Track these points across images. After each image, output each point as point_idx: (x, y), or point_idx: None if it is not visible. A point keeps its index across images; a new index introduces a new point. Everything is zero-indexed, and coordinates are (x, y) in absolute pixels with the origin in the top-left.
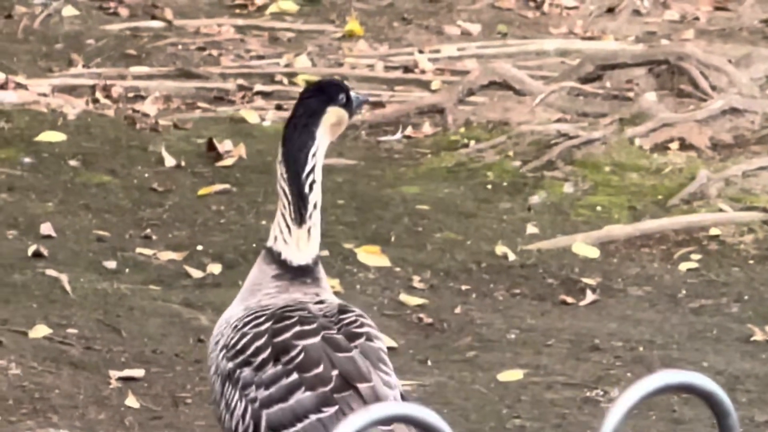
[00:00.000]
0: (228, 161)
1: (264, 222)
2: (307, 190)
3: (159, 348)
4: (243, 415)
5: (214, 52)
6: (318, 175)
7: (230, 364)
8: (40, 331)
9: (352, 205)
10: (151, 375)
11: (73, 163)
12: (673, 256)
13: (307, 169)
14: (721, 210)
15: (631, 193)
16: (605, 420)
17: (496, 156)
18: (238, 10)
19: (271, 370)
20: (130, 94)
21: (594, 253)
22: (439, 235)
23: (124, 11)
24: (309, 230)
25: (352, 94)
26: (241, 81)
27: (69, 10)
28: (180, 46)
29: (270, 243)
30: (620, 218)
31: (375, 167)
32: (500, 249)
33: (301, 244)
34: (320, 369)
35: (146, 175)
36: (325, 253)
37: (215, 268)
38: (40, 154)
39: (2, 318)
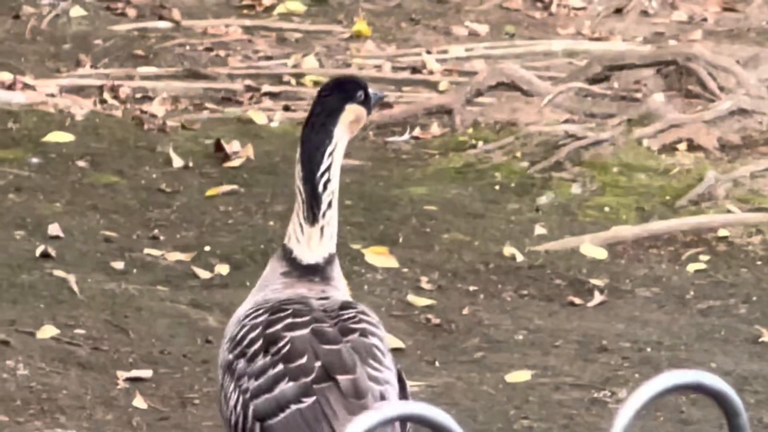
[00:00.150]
0: (236, 162)
1: (272, 223)
2: (320, 188)
3: (167, 349)
4: (235, 405)
5: (222, 53)
6: (335, 174)
7: (230, 356)
8: (47, 331)
9: (359, 206)
10: (158, 376)
11: (80, 163)
12: (681, 257)
13: (323, 167)
14: (729, 211)
15: (639, 194)
16: (615, 419)
17: (503, 157)
18: (245, 11)
19: (261, 361)
20: (138, 95)
21: (602, 254)
22: (446, 235)
23: (131, 12)
24: (322, 229)
25: (370, 91)
26: (248, 82)
27: (77, 11)
28: (188, 47)
29: (285, 240)
30: (628, 219)
31: (383, 168)
32: (508, 250)
33: (312, 243)
34: (304, 360)
35: (154, 175)
36: None
37: (223, 269)
38: (47, 155)
39: (10, 318)
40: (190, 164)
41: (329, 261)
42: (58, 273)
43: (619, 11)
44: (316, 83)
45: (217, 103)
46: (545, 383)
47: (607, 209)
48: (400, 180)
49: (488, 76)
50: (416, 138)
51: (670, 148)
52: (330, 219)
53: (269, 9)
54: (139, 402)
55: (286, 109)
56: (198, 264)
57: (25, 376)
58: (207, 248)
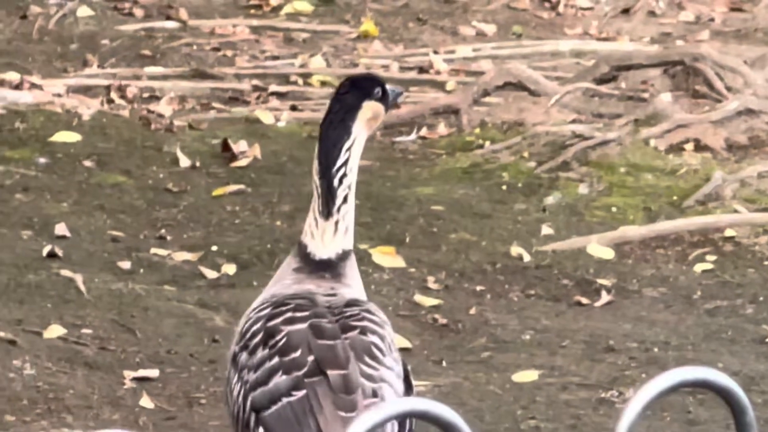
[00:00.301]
0: (243, 162)
1: (279, 222)
2: (336, 183)
3: (173, 348)
4: (237, 396)
5: (229, 53)
6: (351, 169)
7: (236, 348)
8: (54, 331)
9: (366, 206)
10: (165, 375)
11: (87, 163)
12: (688, 257)
13: (339, 162)
14: (736, 211)
15: (646, 194)
16: (622, 416)
17: (511, 157)
18: (253, 11)
19: (260, 353)
20: (145, 95)
21: (609, 254)
22: (453, 235)
23: (138, 12)
24: (336, 224)
25: (388, 87)
26: (255, 81)
27: (84, 11)
28: (195, 47)
29: (302, 236)
30: (635, 219)
31: (390, 168)
32: (515, 250)
33: (326, 238)
34: (297, 354)
35: (161, 175)
36: None
37: (230, 269)
38: (54, 155)
39: (17, 318)
40: (197, 164)
41: (343, 257)
42: (65, 273)
43: (626, 11)
44: (323, 83)
45: (225, 102)
46: (552, 383)
47: (614, 209)
48: (407, 180)
49: (495, 76)
50: (423, 138)
51: (677, 148)
52: (345, 214)
53: (276, 9)
54: (145, 402)
55: (294, 108)
56: (205, 264)
57: (31, 375)
58: (214, 248)
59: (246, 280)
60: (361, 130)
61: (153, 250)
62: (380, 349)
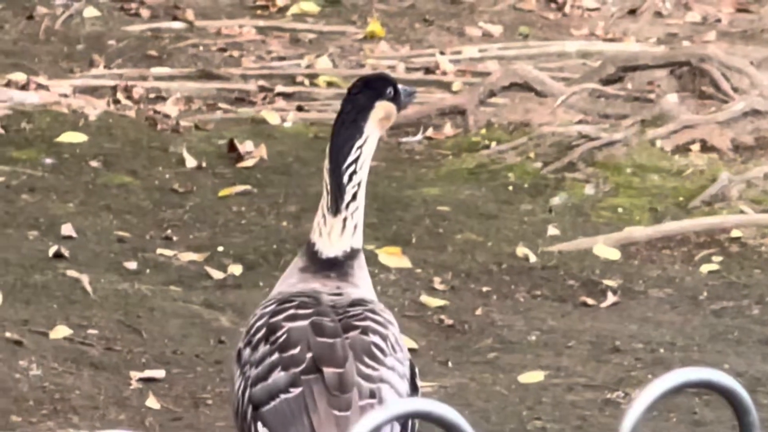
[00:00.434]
0: (249, 162)
1: (285, 223)
2: (345, 179)
3: (179, 349)
4: (238, 391)
5: (235, 53)
6: (362, 167)
7: (240, 344)
8: (60, 331)
9: (372, 207)
10: (171, 376)
11: (94, 163)
12: (694, 258)
13: (350, 159)
14: (742, 212)
15: (652, 195)
16: (625, 416)
17: (517, 157)
18: (259, 11)
19: (261, 349)
20: (151, 95)
21: (615, 254)
22: (459, 236)
23: (145, 12)
24: (344, 221)
25: (400, 87)
26: (262, 82)
27: (90, 11)
28: (201, 47)
29: (311, 234)
30: (641, 220)
31: (396, 168)
32: (521, 250)
33: (333, 235)
34: (296, 350)
35: (167, 176)
36: None
37: (236, 269)
38: (61, 155)
39: (23, 319)
40: (204, 164)
41: (350, 256)
42: (71, 273)
43: (632, 12)
44: (329, 84)
45: (231, 103)
46: (558, 384)
47: (620, 210)
48: (413, 180)
49: (502, 76)
50: (429, 138)
51: (683, 149)
52: (353, 212)
53: (283, 9)
54: (152, 402)
55: (300, 109)
56: (211, 264)
57: (37, 376)
58: (220, 248)
59: (252, 281)
60: (373, 129)
61: (159, 251)
62: (381, 349)
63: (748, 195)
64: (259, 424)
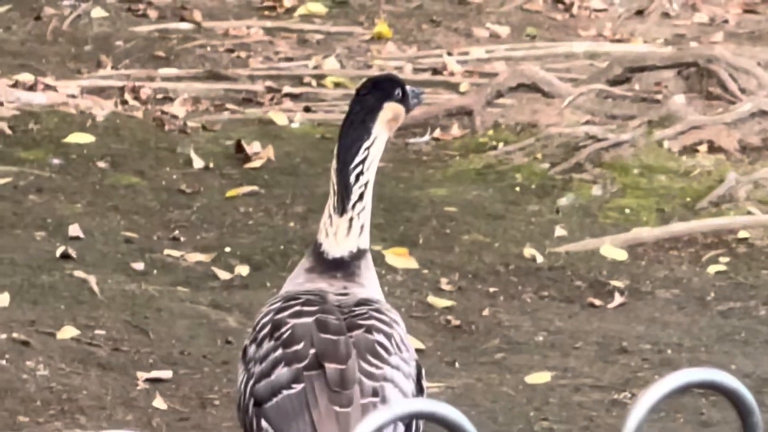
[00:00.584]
0: (256, 163)
1: (292, 224)
2: (352, 179)
3: (187, 349)
4: (241, 385)
5: (243, 54)
6: (369, 167)
7: (246, 341)
8: (68, 332)
9: (379, 207)
10: (178, 376)
11: (101, 164)
12: (701, 258)
13: (357, 159)
14: (749, 213)
15: (660, 196)
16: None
17: (524, 158)
18: (266, 12)
19: (266, 345)
20: (159, 96)
21: (622, 255)
22: (467, 237)
23: (152, 13)
24: (350, 221)
25: (408, 88)
26: (269, 83)
27: (98, 12)
28: (209, 48)
29: (317, 235)
30: (648, 221)
31: (403, 169)
32: (528, 251)
33: (339, 235)
34: (300, 346)
35: (174, 176)
36: None
37: (243, 270)
38: (68, 156)
39: (30, 319)
40: (211, 165)
41: (357, 257)
42: (79, 274)
43: (640, 13)
44: (336, 85)
45: (238, 104)
46: (565, 385)
47: (627, 211)
48: (421, 181)
49: (509, 77)
50: (437, 139)
51: (690, 150)
52: (359, 212)
53: (290, 10)
54: (159, 403)
55: (307, 110)
56: (218, 265)
57: (45, 376)
58: (227, 249)
59: (259, 281)
60: (381, 130)
61: (166, 251)
62: (386, 348)
63: (755, 196)
64: (263, 420)
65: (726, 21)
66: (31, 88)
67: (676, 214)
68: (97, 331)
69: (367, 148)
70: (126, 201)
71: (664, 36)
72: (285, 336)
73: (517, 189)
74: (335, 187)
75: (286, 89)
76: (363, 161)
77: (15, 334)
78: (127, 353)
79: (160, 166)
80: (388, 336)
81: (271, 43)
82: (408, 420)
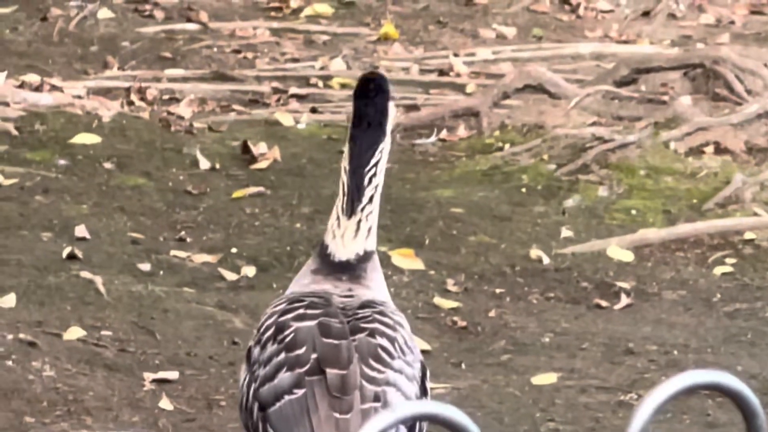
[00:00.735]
0: (262, 164)
1: (298, 225)
2: (366, 182)
3: (193, 350)
4: (243, 386)
5: (249, 55)
6: (380, 170)
7: (251, 343)
8: (74, 333)
9: (386, 208)
10: (185, 377)
11: (107, 165)
12: (707, 260)
13: (372, 162)
14: (756, 214)
15: (666, 197)
16: (633, 418)
17: (530, 159)
18: (273, 13)
19: (269, 349)
20: (165, 97)
21: (628, 256)
22: (473, 238)
23: (159, 14)
24: (358, 223)
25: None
26: (275, 84)
27: (104, 13)
28: (215, 49)
29: (325, 236)
30: (655, 222)
31: (409, 170)
32: (534, 252)
33: (347, 237)
34: (302, 351)
35: (181, 177)
36: None
37: (249, 271)
38: (74, 157)
39: (36, 320)
40: (217, 166)
41: (363, 259)
42: (85, 274)
43: (646, 14)
44: (343, 86)
45: (245, 105)
46: (571, 386)
47: (633, 212)
48: (427, 182)
49: (515, 78)
50: (443, 140)
51: (697, 151)
52: (368, 214)
53: (297, 11)
54: (165, 403)
55: (314, 111)
56: (224, 266)
57: (51, 377)
58: (233, 250)
59: (265, 282)
60: (389, 132)
61: (173, 252)
62: (388, 352)
63: (761, 197)
64: (267, 425)
65: (732, 22)
66: (38, 88)
67: (682, 215)
68: (103, 332)
69: (381, 150)
70: (132, 202)
71: (670, 37)
72: (288, 339)
73: (524, 190)
74: (346, 188)
75: (293, 90)
76: (377, 163)
77: (21, 335)
78: (133, 354)
79: (166, 167)
80: (392, 339)
81: (277, 44)
82: (411, 422)
